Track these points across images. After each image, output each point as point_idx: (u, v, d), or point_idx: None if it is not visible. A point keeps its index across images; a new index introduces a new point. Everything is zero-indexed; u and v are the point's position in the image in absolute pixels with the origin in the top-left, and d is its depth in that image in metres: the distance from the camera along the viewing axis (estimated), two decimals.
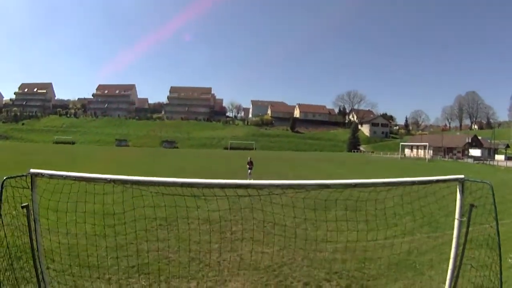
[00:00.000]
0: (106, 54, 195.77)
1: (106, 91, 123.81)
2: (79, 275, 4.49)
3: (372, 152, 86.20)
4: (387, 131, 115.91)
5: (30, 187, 3.14)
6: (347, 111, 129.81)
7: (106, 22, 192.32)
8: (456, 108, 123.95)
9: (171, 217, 6.07)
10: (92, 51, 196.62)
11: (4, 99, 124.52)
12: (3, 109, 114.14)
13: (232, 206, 6.00)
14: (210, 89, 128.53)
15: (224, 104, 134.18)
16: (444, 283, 3.41)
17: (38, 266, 3.30)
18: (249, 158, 19.41)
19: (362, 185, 3.18)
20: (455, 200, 3.26)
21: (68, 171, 3.26)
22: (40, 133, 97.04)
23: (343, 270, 5.14)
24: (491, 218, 3.11)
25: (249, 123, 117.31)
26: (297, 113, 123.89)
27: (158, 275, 4.73)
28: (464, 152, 64.45)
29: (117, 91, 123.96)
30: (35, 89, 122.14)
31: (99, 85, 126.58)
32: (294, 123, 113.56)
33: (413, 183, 3.27)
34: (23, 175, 3.12)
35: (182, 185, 2.99)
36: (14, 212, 3.21)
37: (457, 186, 3.25)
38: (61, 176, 3.20)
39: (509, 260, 5.20)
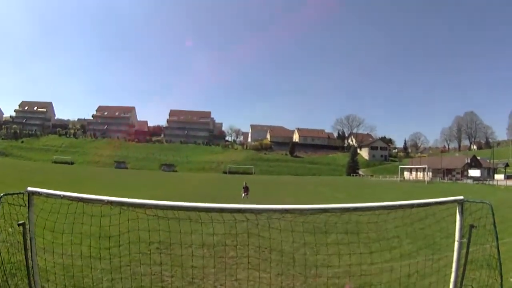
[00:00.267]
0: (107, 76, 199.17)
1: (106, 113, 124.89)
2: None
3: (371, 175, 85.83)
4: (386, 154, 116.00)
5: (27, 205, 3.13)
6: (346, 135, 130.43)
7: (107, 48, 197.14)
8: (454, 129, 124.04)
9: (167, 240, 5.94)
10: (93, 72, 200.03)
11: (4, 115, 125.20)
12: (3, 126, 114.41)
13: (230, 230, 5.91)
14: (209, 113, 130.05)
15: (223, 128, 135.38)
16: None
17: (33, 285, 3.21)
18: (244, 183, 18.57)
19: (360, 209, 3.16)
20: (455, 222, 3.24)
21: (66, 191, 3.25)
22: (40, 151, 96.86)
23: None
24: (492, 238, 3.09)
25: (248, 148, 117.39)
26: (296, 137, 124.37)
27: None
28: (463, 173, 64.23)
29: (117, 113, 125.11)
30: (35, 108, 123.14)
31: (99, 106, 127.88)
32: (294, 147, 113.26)
33: (412, 206, 3.24)
34: (20, 193, 3.11)
35: (180, 208, 2.98)
36: (10, 229, 3.19)
37: (457, 208, 3.24)
38: (59, 195, 3.19)
39: (510, 280, 5.09)
